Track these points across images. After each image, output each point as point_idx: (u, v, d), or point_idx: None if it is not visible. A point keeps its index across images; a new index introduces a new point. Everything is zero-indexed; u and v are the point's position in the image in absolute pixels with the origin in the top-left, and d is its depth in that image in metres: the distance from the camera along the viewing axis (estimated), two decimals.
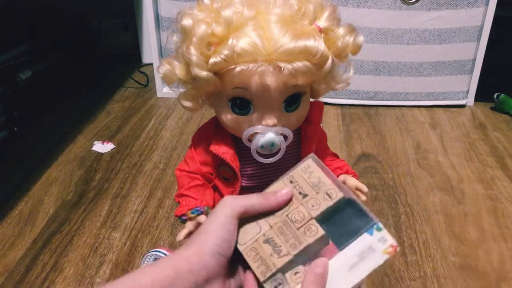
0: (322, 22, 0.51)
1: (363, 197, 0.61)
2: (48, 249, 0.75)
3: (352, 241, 0.37)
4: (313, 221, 0.39)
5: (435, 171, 0.98)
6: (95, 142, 1.08)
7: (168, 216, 0.82)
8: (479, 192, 0.91)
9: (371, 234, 0.37)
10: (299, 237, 0.39)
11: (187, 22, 0.50)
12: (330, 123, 1.19)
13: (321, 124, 0.62)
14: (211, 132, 0.60)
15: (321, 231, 0.38)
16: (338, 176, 0.62)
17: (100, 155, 1.03)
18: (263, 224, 0.41)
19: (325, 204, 0.40)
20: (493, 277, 0.70)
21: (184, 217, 0.60)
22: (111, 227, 0.80)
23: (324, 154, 0.65)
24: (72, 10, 1.47)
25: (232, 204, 0.41)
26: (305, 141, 0.60)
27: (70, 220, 0.81)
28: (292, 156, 0.61)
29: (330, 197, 0.40)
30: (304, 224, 0.39)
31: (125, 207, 0.85)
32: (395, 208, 0.85)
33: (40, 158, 1.01)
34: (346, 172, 0.63)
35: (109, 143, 1.07)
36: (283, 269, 0.38)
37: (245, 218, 0.42)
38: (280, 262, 0.38)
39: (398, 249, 0.36)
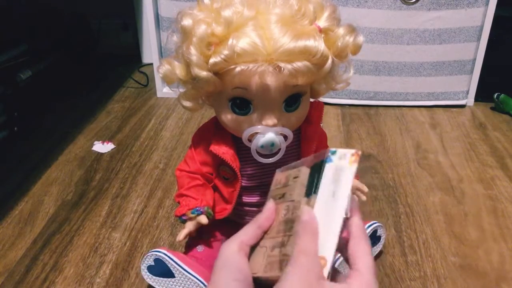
0: (322, 22, 0.51)
1: (363, 197, 0.61)
2: (48, 249, 0.75)
3: (321, 179, 0.37)
4: (296, 202, 0.39)
5: (435, 171, 0.98)
6: (95, 142, 1.08)
7: (168, 216, 0.82)
8: (479, 192, 0.91)
9: (331, 160, 0.37)
10: (292, 219, 0.39)
11: (187, 22, 0.50)
12: (330, 123, 1.19)
13: (321, 124, 0.62)
14: (211, 132, 0.60)
15: (304, 199, 0.38)
16: None
17: (100, 155, 1.03)
18: (265, 242, 0.41)
19: (297, 184, 0.40)
20: (493, 277, 0.70)
21: (184, 217, 0.60)
22: (111, 227, 0.80)
23: None
24: (72, 10, 1.47)
25: (238, 241, 0.40)
26: (305, 141, 0.60)
27: (70, 220, 0.81)
28: (292, 156, 0.61)
29: (297, 177, 0.40)
30: (292, 208, 0.39)
31: (125, 207, 0.85)
32: (395, 208, 0.85)
33: (40, 158, 1.01)
34: None
35: (109, 143, 1.08)
36: (273, 247, 0.39)
37: (252, 253, 0.41)
38: (269, 243, 0.39)
39: (360, 152, 0.36)
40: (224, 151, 0.57)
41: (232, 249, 0.40)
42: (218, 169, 0.61)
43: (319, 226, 0.36)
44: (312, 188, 0.37)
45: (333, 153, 0.37)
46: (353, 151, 0.37)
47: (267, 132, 0.52)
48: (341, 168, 0.37)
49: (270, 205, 0.42)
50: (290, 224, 0.38)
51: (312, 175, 0.39)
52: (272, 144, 0.53)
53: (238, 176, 0.58)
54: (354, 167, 0.36)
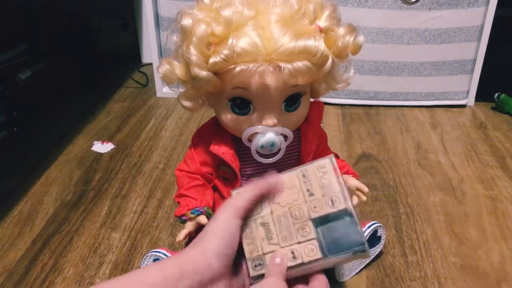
0: (322, 22, 0.51)
1: (364, 197, 0.61)
2: (48, 249, 0.75)
3: (336, 256, 0.39)
4: (309, 223, 0.41)
5: (436, 171, 0.98)
6: (95, 142, 1.08)
7: (168, 217, 0.82)
8: (479, 192, 0.91)
9: (355, 254, 0.39)
10: (292, 233, 0.41)
11: (187, 21, 0.50)
12: (330, 123, 1.19)
13: (321, 124, 0.62)
14: (211, 132, 0.60)
15: (313, 235, 0.40)
16: None
17: (99, 155, 1.03)
18: (265, 207, 0.43)
19: (326, 210, 0.41)
20: (494, 277, 0.70)
21: (184, 218, 0.60)
22: (110, 228, 0.79)
23: (324, 154, 0.65)
24: (72, 10, 1.46)
25: (233, 204, 0.42)
26: (305, 141, 0.60)
27: (69, 221, 0.81)
28: (292, 156, 0.61)
29: (333, 204, 0.41)
30: (301, 222, 0.41)
31: (125, 207, 0.85)
32: (395, 208, 0.85)
33: (40, 158, 1.01)
34: (347, 172, 0.63)
35: (109, 143, 1.07)
36: (267, 254, 0.41)
37: None
38: (267, 248, 0.41)
39: None
40: (224, 151, 0.57)
41: (232, 214, 0.41)
42: (218, 169, 0.61)
43: None
44: (326, 251, 0.40)
45: (362, 251, 0.40)
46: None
47: (267, 132, 0.52)
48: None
49: (277, 179, 0.44)
50: (285, 232, 0.41)
51: (337, 228, 0.40)
52: (272, 144, 0.52)
53: (238, 176, 0.58)
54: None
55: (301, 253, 0.40)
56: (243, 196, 0.43)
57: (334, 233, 0.40)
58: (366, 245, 0.39)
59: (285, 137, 0.53)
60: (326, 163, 0.43)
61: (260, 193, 0.43)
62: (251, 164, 0.59)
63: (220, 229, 0.40)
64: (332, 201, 0.41)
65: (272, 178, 0.44)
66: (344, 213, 0.40)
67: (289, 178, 0.44)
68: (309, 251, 0.40)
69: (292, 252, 0.40)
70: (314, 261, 0.39)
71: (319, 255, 0.39)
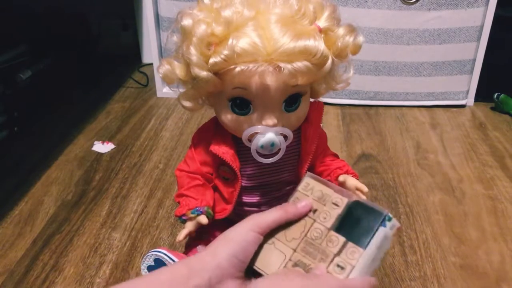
0: (322, 22, 0.51)
1: (363, 197, 0.61)
2: (48, 249, 0.75)
3: (372, 237, 0.39)
4: (331, 232, 0.41)
5: (435, 171, 0.98)
6: (95, 142, 1.08)
7: (168, 216, 0.82)
8: (479, 192, 0.91)
9: (385, 226, 0.39)
10: (324, 251, 0.41)
11: (187, 22, 0.50)
12: (330, 123, 1.19)
13: (321, 124, 0.62)
14: (211, 132, 0.60)
15: (342, 239, 0.40)
16: (338, 176, 0.62)
17: (100, 155, 1.03)
18: (286, 250, 0.42)
19: (335, 212, 0.42)
20: (493, 277, 0.70)
21: (184, 217, 0.60)
22: (111, 227, 0.80)
23: (324, 154, 0.65)
24: (72, 10, 1.47)
25: (255, 219, 0.42)
26: (305, 141, 0.60)
27: (70, 220, 0.81)
28: (292, 156, 0.61)
29: (337, 205, 0.42)
30: (324, 237, 0.41)
31: (125, 207, 0.85)
32: (395, 208, 0.85)
33: (40, 158, 1.01)
34: (346, 172, 0.63)
35: (109, 143, 1.07)
36: None
37: (266, 249, 0.43)
38: None
39: (400, 227, 0.40)
40: (224, 151, 0.57)
41: (251, 227, 0.42)
42: (218, 169, 0.61)
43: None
44: (362, 241, 0.40)
45: (389, 219, 0.40)
46: (399, 224, 0.41)
47: (267, 132, 0.52)
48: (387, 237, 0.40)
49: (308, 203, 0.43)
50: (319, 255, 0.41)
51: (356, 218, 0.41)
52: (272, 144, 0.52)
53: (238, 176, 0.58)
54: (392, 239, 0.40)
55: (345, 260, 0.39)
56: (268, 214, 0.43)
57: (356, 225, 0.40)
58: (387, 211, 0.39)
59: (285, 137, 0.54)
60: (308, 181, 0.45)
61: (287, 218, 0.43)
62: (251, 164, 0.59)
63: (236, 236, 0.41)
64: (334, 203, 0.42)
65: (302, 205, 0.44)
66: (351, 204, 0.41)
67: None
68: (350, 253, 0.40)
69: (338, 265, 0.40)
70: (360, 258, 0.39)
71: (361, 249, 0.39)
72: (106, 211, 0.84)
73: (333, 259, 0.40)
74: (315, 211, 0.43)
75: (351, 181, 0.60)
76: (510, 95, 1.26)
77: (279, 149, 0.53)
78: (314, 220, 0.42)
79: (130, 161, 1.00)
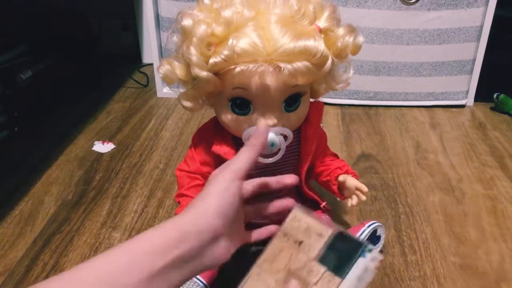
0: (322, 22, 0.51)
1: (363, 197, 0.61)
2: (49, 249, 0.75)
3: (351, 268, 0.39)
4: (313, 262, 0.41)
5: (435, 171, 0.98)
6: (96, 142, 1.08)
7: (168, 216, 0.82)
8: (479, 192, 0.91)
9: (364, 257, 0.39)
10: (304, 280, 0.41)
11: (187, 22, 0.50)
12: (330, 123, 1.20)
13: (321, 124, 0.62)
14: (211, 132, 0.60)
15: (322, 269, 0.41)
16: (337, 176, 0.62)
17: (100, 155, 1.03)
18: (270, 281, 0.43)
19: (319, 244, 0.42)
20: (493, 277, 0.70)
21: None
22: (111, 227, 0.80)
23: (324, 154, 0.66)
24: (72, 10, 1.47)
25: (230, 167, 0.43)
26: (305, 141, 0.60)
27: (70, 220, 0.81)
28: (292, 156, 0.61)
29: (320, 235, 0.42)
30: (306, 268, 0.41)
31: (125, 207, 0.85)
32: (395, 208, 0.85)
33: (41, 158, 1.01)
34: (346, 172, 0.63)
35: (109, 143, 1.08)
36: None
37: (251, 281, 0.43)
38: None
39: (381, 260, 0.40)
40: (226, 151, 0.57)
41: (230, 177, 0.42)
42: None
43: None
44: (341, 270, 0.40)
45: (369, 250, 0.40)
46: (381, 257, 0.40)
47: None
48: (368, 269, 0.40)
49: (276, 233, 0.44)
50: (300, 284, 0.41)
51: (338, 249, 0.41)
52: (272, 144, 0.53)
53: None
54: (374, 272, 0.40)
55: None
56: (240, 158, 0.43)
57: (338, 256, 0.41)
58: (368, 243, 0.40)
59: (285, 137, 0.54)
60: (297, 213, 0.45)
61: (256, 153, 0.44)
62: None
63: (220, 190, 0.41)
64: (318, 234, 0.43)
65: (258, 132, 0.45)
66: (335, 236, 0.42)
67: (274, 246, 0.44)
68: (327, 282, 0.40)
69: None
70: (338, 287, 0.39)
71: (338, 279, 0.39)
72: (106, 211, 0.84)
73: None
74: (300, 243, 0.43)
75: (351, 181, 0.60)
76: (510, 95, 1.26)
77: (279, 149, 0.54)
78: (299, 252, 0.43)
79: (130, 161, 1.01)
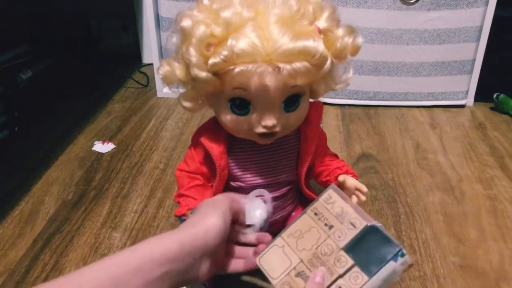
0: (321, 23, 0.51)
1: (363, 197, 0.61)
2: (49, 249, 0.75)
3: (380, 269, 0.39)
4: (342, 252, 0.41)
5: (435, 171, 0.98)
6: (96, 142, 1.08)
7: (168, 216, 0.82)
8: (478, 192, 0.91)
9: (396, 261, 0.39)
10: (330, 269, 0.40)
11: (186, 23, 0.50)
12: (330, 123, 1.20)
13: (321, 124, 0.62)
14: (210, 131, 0.60)
15: (350, 261, 0.40)
16: (337, 176, 0.62)
17: (100, 155, 1.03)
18: (293, 258, 0.42)
19: (351, 233, 0.41)
20: (493, 277, 0.70)
21: (184, 217, 0.61)
22: (111, 227, 0.80)
23: (323, 154, 0.66)
24: (73, 10, 1.47)
25: (229, 199, 0.46)
26: (305, 141, 0.60)
27: (70, 220, 0.82)
28: (292, 156, 0.61)
29: (354, 226, 0.42)
30: (334, 255, 0.41)
31: (126, 207, 0.85)
32: (394, 208, 0.85)
33: (41, 158, 1.01)
34: (346, 172, 0.63)
35: (110, 143, 1.08)
36: None
37: (273, 251, 0.44)
38: None
39: (412, 265, 0.39)
40: (212, 146, 0.58)
41: (228, 207, 0.46)
42: None
43: None
44: (370, 269, 0.39)
45: (402, 255, 0.39)
46: (412, 261, 0.40)
47: None
48: (396, 272, 0.39)
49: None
50: (326, 273, 0.41)
51: (370, 244, 0.40)
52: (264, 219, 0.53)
53: (217, 173, 0.58)
54: (400, 276, 0.40)
55: (347, 284, 0.39)
56: (230, 199, 0.48)
57: (368, 251, 0.40)
58: (401, 247, 0.39)
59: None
60: (331, 194, 0.44)
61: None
62: (251, 164, 0.59)
63: (222, 212, 0.43)
64: (352, 224, 0.42)
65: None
66: (369, 229, 0.41)
67: (303, 222, 0.44)
68: (355, 278, 0.39)
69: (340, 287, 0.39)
70: (364, 286, 0.39)
71: (366, 277, 0.39)
72: (106, 211, 0.84)
73: (336, 279, 0.40)
74: (331, 227, 0.42)
75: (351, 181, 0.60)
76: (510, 95, 1.26)
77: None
78: (328, 236, 0.42)
79: (130, 161, 1.01)
